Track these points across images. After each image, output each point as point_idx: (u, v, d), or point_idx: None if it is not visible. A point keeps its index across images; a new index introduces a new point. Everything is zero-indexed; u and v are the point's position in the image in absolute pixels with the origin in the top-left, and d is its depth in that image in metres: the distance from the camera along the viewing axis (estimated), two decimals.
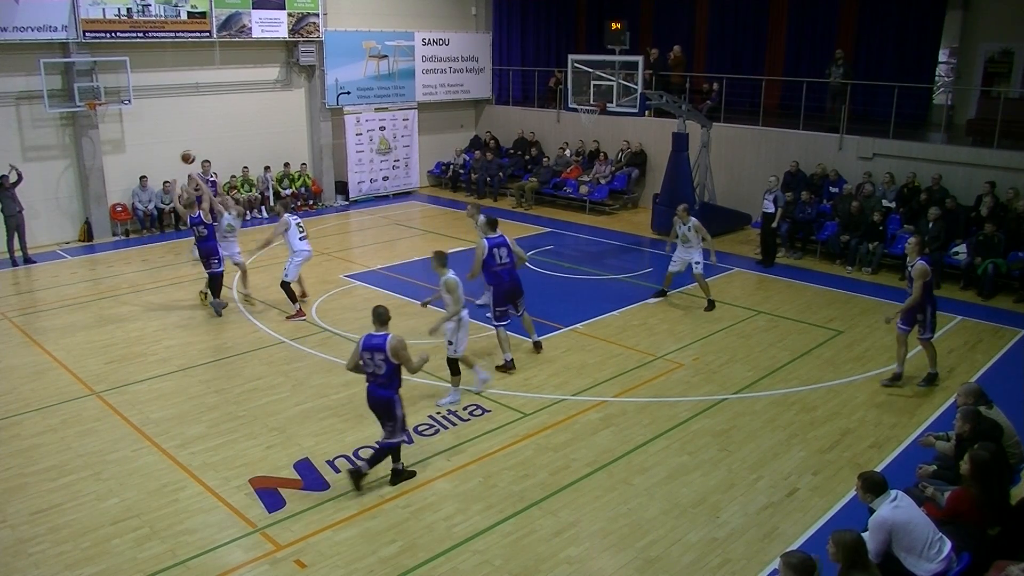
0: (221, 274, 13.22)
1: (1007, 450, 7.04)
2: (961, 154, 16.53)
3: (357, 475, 8.12)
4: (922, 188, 16.34)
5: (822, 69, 19.55)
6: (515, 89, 26.06)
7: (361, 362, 8.01)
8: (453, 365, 10.12)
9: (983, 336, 12.55)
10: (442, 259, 10.13)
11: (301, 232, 13.14)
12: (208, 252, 13.05)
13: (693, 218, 13.52)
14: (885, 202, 16.57)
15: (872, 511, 6.06)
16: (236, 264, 13.82)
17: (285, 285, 13.06)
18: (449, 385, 10.23)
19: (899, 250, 15.64)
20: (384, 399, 8.08)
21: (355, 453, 8.86)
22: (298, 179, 21.42)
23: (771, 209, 16.14)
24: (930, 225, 15.20)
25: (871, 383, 10.78)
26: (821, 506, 7.91)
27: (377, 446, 8.27)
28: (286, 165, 21.28)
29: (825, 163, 18.04)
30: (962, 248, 14.96)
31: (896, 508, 5.90)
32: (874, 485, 6.04)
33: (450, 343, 10.04)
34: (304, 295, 13.79)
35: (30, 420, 9.70)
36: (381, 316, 8.08)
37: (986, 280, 14.39)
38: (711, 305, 13.61)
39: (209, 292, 13.43)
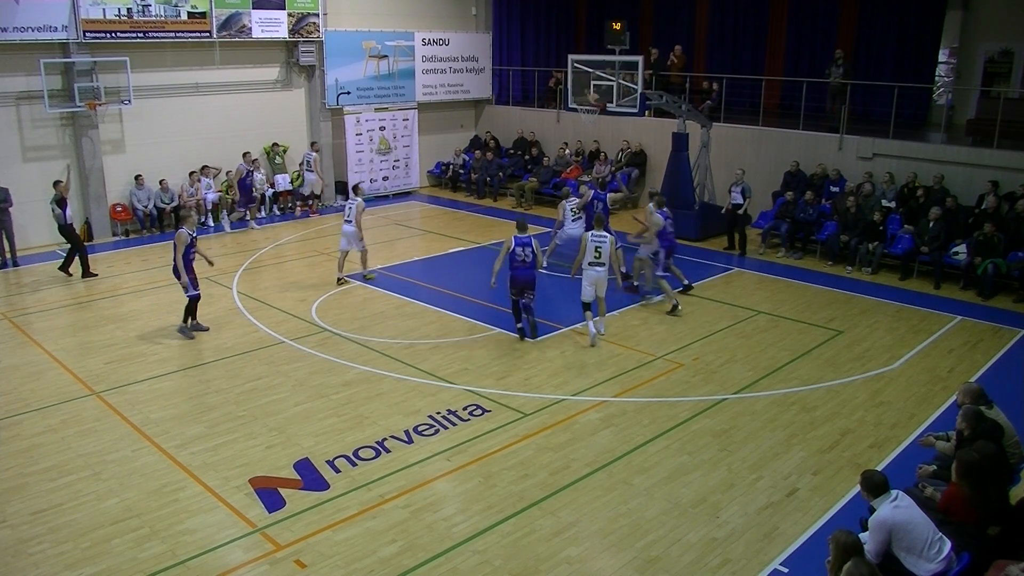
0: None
1: (1007, 450, 7.05)
2: (961, 154, 16.53)
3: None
4: (921, 188, 16.33)
5: (822, 69, 19.56)
6: (515, 89, 26.06)
7: (513, 253, 11.94)
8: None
9: (983, 336, 12.55)
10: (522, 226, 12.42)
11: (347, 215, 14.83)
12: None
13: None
14: (885, 202, 16.56)
15: (872, 510, 6.06)
16: None
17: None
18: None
19: (899, 250, 15.68)
20: (533, 276, 12.06)
21: (355, 453, 8.86)
22: (283, 152, 21.43)
23: (739, 200, 16.98)
24: (930, 225, 15.20)
25: (871, 383, 10.79)
26: (821, 506, 7.91)
27: (530, 308, 12.15)
28: (274, 145, 21.25)
29: (825, 163, 18.04)
30: (962, 248, 14.96)
31: (896, 508, 5.91)
32: (874, 485, 6.05)
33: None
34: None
35: (30, 420, 9.70)
36: (522, 225, 12.41)
37: (986, 280, 14.39)
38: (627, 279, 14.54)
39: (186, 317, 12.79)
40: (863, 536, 6.05)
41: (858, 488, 8.02)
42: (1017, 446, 7.37)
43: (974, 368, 11.28)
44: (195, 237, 12.34)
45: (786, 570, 6.95)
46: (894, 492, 6.03)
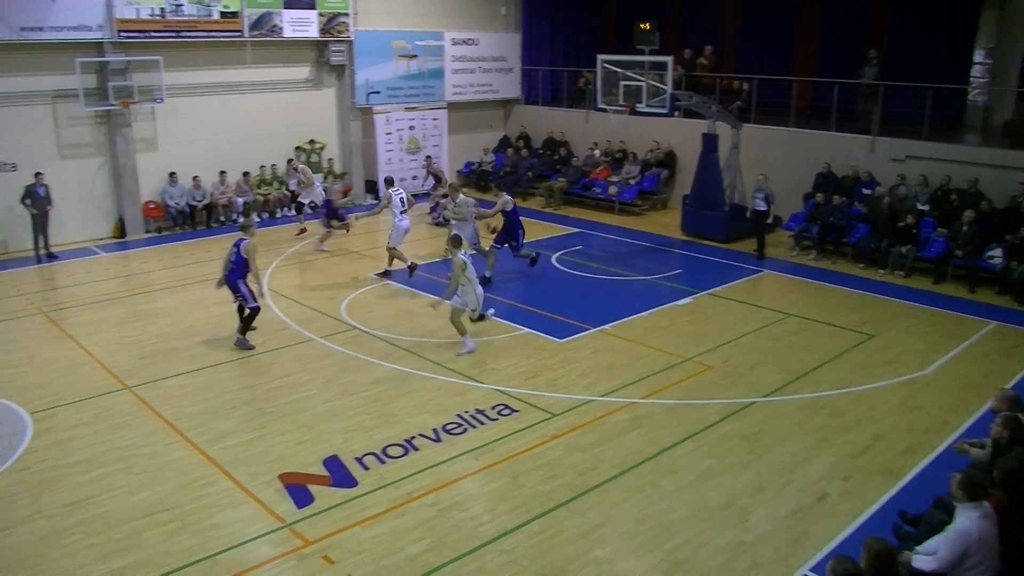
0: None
1: None
2: (996, 156, 16.29)
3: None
4: (955, 191, 16.12)
5: (853, 69, 19.35)
6: (544, 89, 26.05)
7: None
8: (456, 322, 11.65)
9: (1019, 342, 12.35)
10: (456, 241, 11.90)
11: (402, 207, 15.26)
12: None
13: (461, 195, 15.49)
14: (918, 205, 16.36)
15: (946, 511, 5.90)
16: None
17: (390, 249, 15.28)
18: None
19: (932, 253, 15.49)
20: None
21: (383, 450, 8.90)
22: (320, 150, 21.62)
23: (763, 207, 16.83)
24: (964, 228, 15.00)
25: (903, 388, 10.66)
26: (851, 512, 7.83)
27: None
28: (312, 141, 21.46)
29: (857, 165, 17.87)
30: (997, 252, 14.74)
31: (983, 519, 5.75)
32: (973, 488, 5.82)
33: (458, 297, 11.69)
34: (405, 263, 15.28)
35: (64, 413, 9.83)
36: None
37: (1022, 284, 14.17)
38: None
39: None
40: (926, 545, 5.92)
41: (890, 493, 8.04)
42: None
43: (1009, 374, 11.11)
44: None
45: None
46: (985, 503, 5.85)
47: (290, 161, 20.15)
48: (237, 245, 11.65)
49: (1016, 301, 14.16)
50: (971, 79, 20.48)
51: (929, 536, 6.33)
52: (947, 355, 11.76)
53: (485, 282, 14.06)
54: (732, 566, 7.02)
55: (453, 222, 15.23)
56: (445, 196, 17.34)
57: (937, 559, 5.77)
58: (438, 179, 20.85)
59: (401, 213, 15.20)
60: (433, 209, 20.05)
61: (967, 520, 5.74)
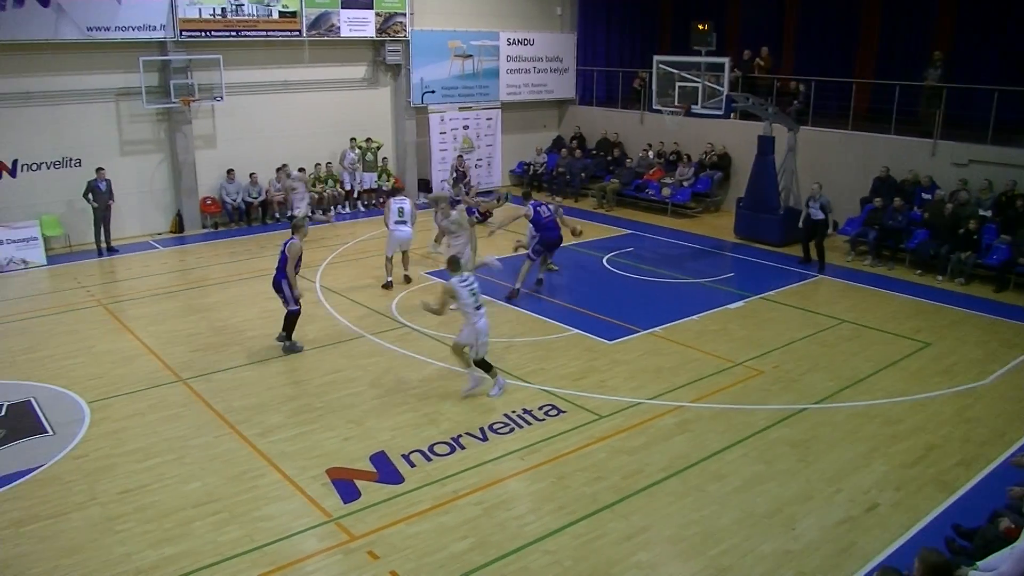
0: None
1: None
2: None
3: None
4: (1021, 197, 15.68)
5: (914, 71, 18.92)
6: (599, 90, 25.94)
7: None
8: (482, 364, 10.34)
9: None
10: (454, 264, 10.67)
11: (399, 216, 14.55)
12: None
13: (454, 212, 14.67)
14: (981, 211, 15.95)
15: (1010, 526, 5.75)
16: None
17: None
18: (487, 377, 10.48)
19: (994, 260, 15.10)
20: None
21: (430, 448, 8.95)
22: (377, 149, 21.76)
23: (820, 216, 16.15)
24: None
25: (959, 398, 10.41)
26: (902, 523, 7.67)
27: None
28: (368, 139, 21.64)
29: (917, 169, 17.48)
30: None
31: None
32: None
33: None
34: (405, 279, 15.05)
35: (120, 403, 10.08)
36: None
37: None
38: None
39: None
40: (988, 561, 5.77)
41: (944, 505, 7.86)
42: None
43: None
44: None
45: None
46: None
47: (281, 168, 19.74)
48: (285, 244, 11.62)
49: None
50: None
51: (985, 551, 6.18)
52: (1006, 366, 11.44)
53: (537, 283, 14.31)
54: (777, 574, 6.92)
55: (451, 241, 14.05)
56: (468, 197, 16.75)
57: (999, 575, 5.62)
58: (463, 176, 21.45)
59: (396, 223, 14.48)
60: (470, 211, 20.06)
61: None
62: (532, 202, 14.58)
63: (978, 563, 5.88)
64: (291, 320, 11.76)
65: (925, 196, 17.04)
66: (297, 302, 11.66)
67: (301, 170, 19.95)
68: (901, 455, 8.94)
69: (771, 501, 8.02)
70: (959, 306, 14.02)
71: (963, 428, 9.59)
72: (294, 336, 11.86)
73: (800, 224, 16.91)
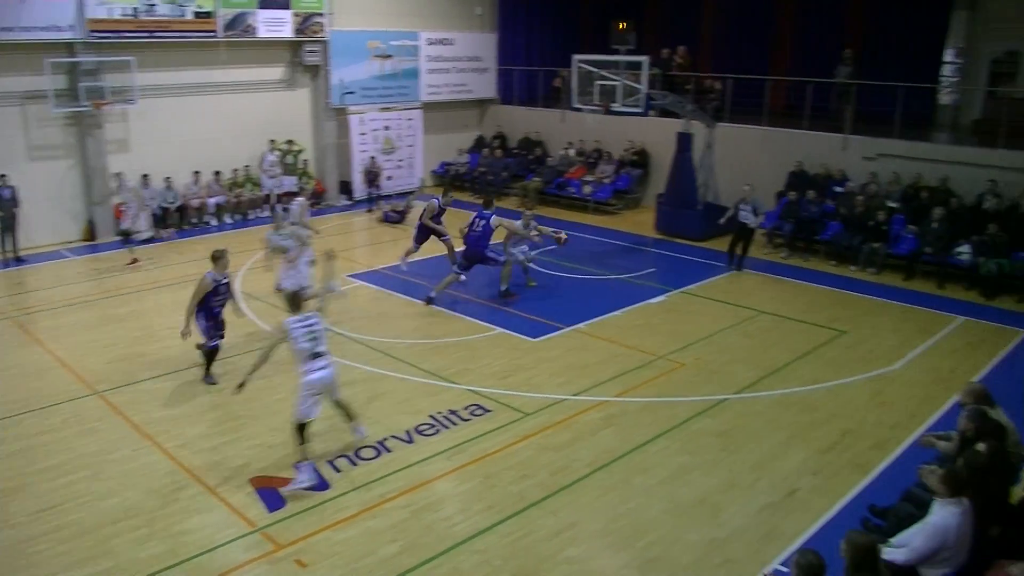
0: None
1: (1009, 450, 7.02)
2: (966, 155, 16.50)
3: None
4: (926, 188, 16.28)
5: (828, 69, 19.50)
6: (520, 89, 26.04)
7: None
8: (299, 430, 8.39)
9: (986, 336, 12.51)
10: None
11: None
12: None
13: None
14: (890, 202, 16.50)
15: (918, 504, 5.92)
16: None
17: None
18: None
19: (903, 250, 15.65)
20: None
21: (356, 453, 8.86)
22: (298, 153, 21.50)
23: (751, 220, 15.53)
24: (934, 225, 15.15)
25: (873, 383, 10.76)
26: (822, 506, 7.89)
27: None
28: (289, 142, 21.34)
29: (829, 163, 18.01)
30: (965, 248, 14.90)
31: (963, 517, 5.80)
32: (956, 483, 5.87)
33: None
34: None
35: (31, 419, 9.72)
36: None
37: (990, 280, 14.34)
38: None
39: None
40: (899, 537, 5.96)
41: (860, 487, 8.11)
42: (1018, 446, 7.33)
43: (977, 368, 11.24)
44: (226, 283, 10.50)
45: (786, 570, 6.90)
46: (965, 500, 5.88)
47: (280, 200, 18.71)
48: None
49: (983, 296, 14.35)
50: (941, 78, 20.72)
51: (898, 528, 6.40)
52: (916, 350, 11.88)
53: (507, 295, 14.00)
54: (704, 562, 7.06)
55: (284, 266, 12.42)
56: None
57: (911, 551, 5.82)
58: (376, 178, 22.10)
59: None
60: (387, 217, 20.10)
61: (949, 515, 5.78)
62: (483, 212, 13.94)
63: (892, 540, 6.08)
64: (208, 355, 10.78)
65: (837, 189, 17.56)
66: (209, 336, 10.56)
67: (217, 173, 19.56)
68: (819, 440, 9.20)
69: (696, 491, 8.17)
70: (872, 295, 14.49)
71: (877, 412, 9.92)
72: (212, 369, 10.86)
73: (722, 220, 16.41)
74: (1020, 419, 7.77)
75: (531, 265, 14.99)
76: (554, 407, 10.02)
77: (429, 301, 13.75)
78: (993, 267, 14.27)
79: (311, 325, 8.32)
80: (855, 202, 16.38)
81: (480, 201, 15.79)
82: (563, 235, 14.62)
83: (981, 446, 6.59)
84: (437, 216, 15.04)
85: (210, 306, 10.39)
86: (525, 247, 14.48)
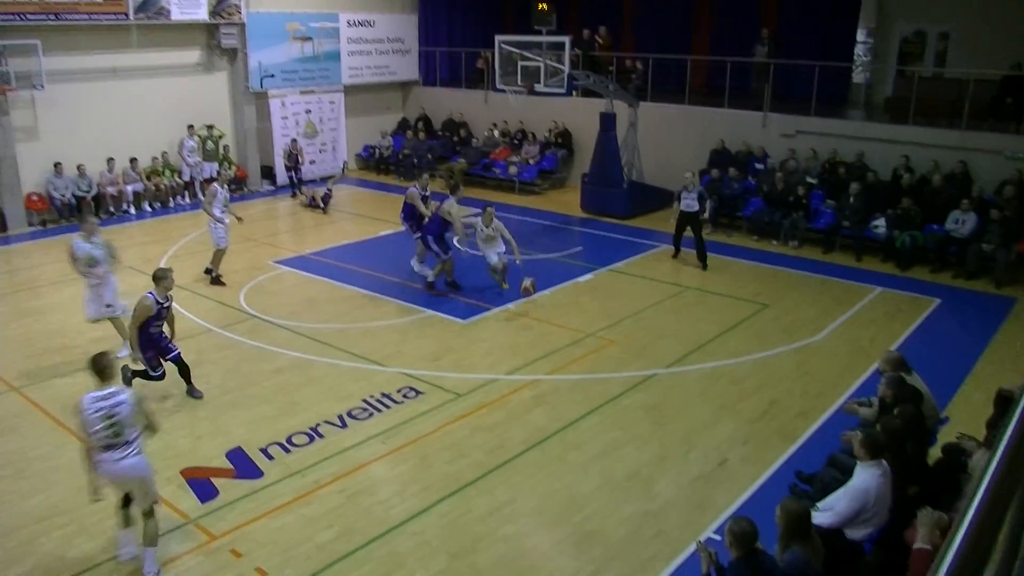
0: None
1: (925, 414, 7.31)
2: (879, 131, 17.02)
3: None
4: (843, 164, 16.76)
5: (746, 48, 19.86)
6: (442, 70, 25.89)
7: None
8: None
9: (902, 306, 12.96)
10: None
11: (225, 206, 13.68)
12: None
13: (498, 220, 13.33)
14: (808, 178, 16.93)
15: (841, 469, 6.10)
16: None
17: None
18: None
19: (822, 225, 16.09)
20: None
21: (288, 439, 8.76)
22: (219, 138, 21.00)
23: (695, 207, 14.64)
24: (851, 200, 15.60)
25: (797, 354, 11.07)
26: (751, 475, 8.11)
27: None
28: (209, 127, 20.84)
29: (750, 140, 18.37)
30: (881, 222, 15.40)
31: (883, 478, 5.97)
32: (875, 446, 6.02)
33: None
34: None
35: None
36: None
37: (904, 252, 14.85)
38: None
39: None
40: (825, 501, 6.15)
41: (787, 455, 8.35)
42: (934, 410, 7.67)
43: (894, 337, 11.65)
44: (166, 306, 9.35)
45: (719, 538, 7.08)
46: (883, 462, 6.05)
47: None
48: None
49: (899, 268, 14.85)
50: (855, 57, 21.28)
51: (823, 493, 6.61)
52: (837, 321, 12.25)
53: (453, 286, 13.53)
54: (639, 534, 7.19)
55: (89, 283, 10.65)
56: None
57: (835, 514, 6.02)
58: (296, 161, 21.51)
59: (223, 212, 13.59)
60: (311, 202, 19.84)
61: (869, 477, 5.98)
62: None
63: (818, 504, 6.29)
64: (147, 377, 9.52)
65: (758, 166, 17.94)
66: (152, 366, 9.49)
67: (133, 160, 19.02)
68: (747, 411, 9.44)
69: (629, 465, 8.30)
70: (793, 268, 14.88)
71: (802, 382, 10.21)
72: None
73: (673, 218, 15.39)
74: (935, 384, 8.12)
75: (510, 259, 13.48)
76: (486, 387, 10.05)
77: (430, 286, 13.54)
78: (907, 240, 14.78)
79: (112, 402, 6.46)
80: (775, 179, 16.75)
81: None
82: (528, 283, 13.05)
83: (898, 411, 6.85)
84: (424, 199, 14.06)
85: (149, 332, 9.30)
86: (501, 248, 13.38)
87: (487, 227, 13.18)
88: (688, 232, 15.09)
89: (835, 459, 7.36)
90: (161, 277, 9.26)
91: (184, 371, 9.76)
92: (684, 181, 15.01)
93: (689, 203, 14.70)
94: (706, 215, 15.32)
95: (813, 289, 13.78)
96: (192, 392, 9.83)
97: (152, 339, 9.37)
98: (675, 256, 15.41)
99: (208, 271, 14.12)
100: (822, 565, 5.34)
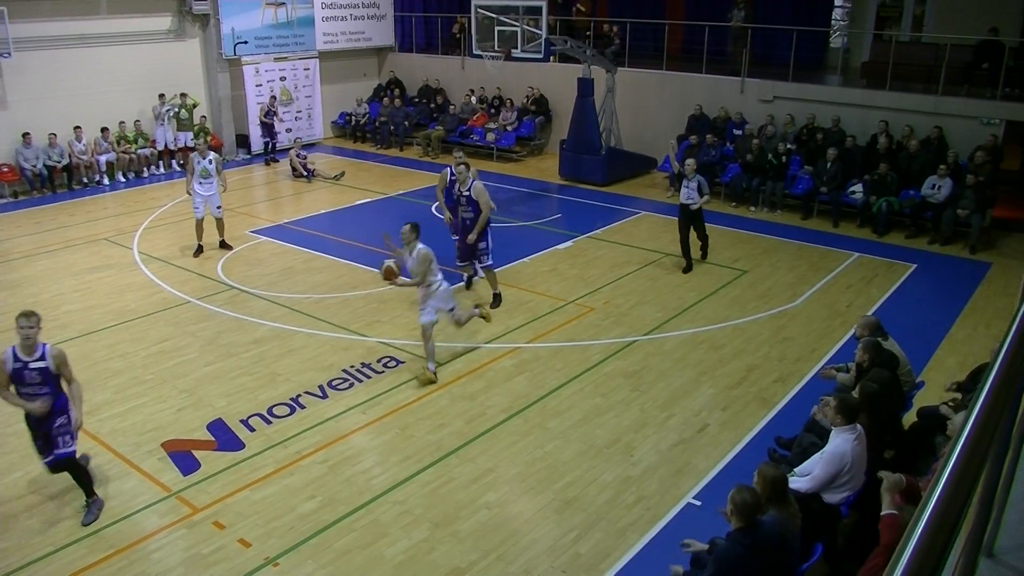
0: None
1: (901, 378, 7.40)
2: (856, 96, 17.05)
3: None
4: (820, 129, 16.78)
5: (723, 13, 19.77)
6: (418, 36, 25.60)
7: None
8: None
9: (878, 271, 13.07)
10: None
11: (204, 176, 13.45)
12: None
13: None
14: (786, 144, 16.94)
15: (818, 434, 6.17)
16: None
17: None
18: None
19: (799, 190, 16.14)
20: None
21: (269, 411, 8.76)
22: (193, 107, 20.65)
23: (694, 197, 12.74)
24: (828, 165, 15.65)
25: (775, 320, 11.15)
26: (730, 440, 8.20)
27: None
28: (183, 95, 20.48)
29: (728, 106, 18.34)
30: (858, 187, 15.47)
31: (857, 442, 6.04)
32: (849, 411, 6.09)
33: None
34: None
35: None
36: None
37: (880, 218, 14.94)
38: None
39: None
40: (802, 466, 6.23)
41: (765, 420, 8.43)
42: (910, 374, 7.76)
43: (870, 302, 11.76)
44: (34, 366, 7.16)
45: (699, 503, 7.19)
46: (858, 425, 6.11)
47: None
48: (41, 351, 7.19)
49: (875, 233, 14.95)
50: (832, 22, 21.25)
51: (801, 458, 6.69)
52: (814, 287, 12.34)
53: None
54: (620, 500, 7.26)
55: None
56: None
57: (812, 479, 6.10)
58: (271, 127, 21.19)
59: (201, 183, 13.35)
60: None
61: (843, 442, 6.05)
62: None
63: (795, 469, 6.37)
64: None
65: (736, 132, 17.94)
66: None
67: (104, 130, 18.70)
68: (726, 377, 9.52)
69: (610, 431, 8.37)
70: (771, 234, 14.95)
71: (779, 347, 10.30)
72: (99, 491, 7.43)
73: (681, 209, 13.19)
74: (910, 349, 8.22)
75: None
76: (467, 356, 10.07)
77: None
78: (883, 205, 14.86)
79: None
80: (752, 145, 16.76)
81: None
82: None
83: (873, 373, 6.93)
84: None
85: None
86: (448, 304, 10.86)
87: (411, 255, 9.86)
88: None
89: (813, 423, 7.44)
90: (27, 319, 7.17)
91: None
92: (686, 167, 12.87)
93: (689, 194, 12.79)
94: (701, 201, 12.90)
95: (791, 255, 13.85)
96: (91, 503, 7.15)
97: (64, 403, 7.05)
98: (687, 270, 13.04)
99: (221, 243, 14.08)
100: (799, 528, 5.42)
